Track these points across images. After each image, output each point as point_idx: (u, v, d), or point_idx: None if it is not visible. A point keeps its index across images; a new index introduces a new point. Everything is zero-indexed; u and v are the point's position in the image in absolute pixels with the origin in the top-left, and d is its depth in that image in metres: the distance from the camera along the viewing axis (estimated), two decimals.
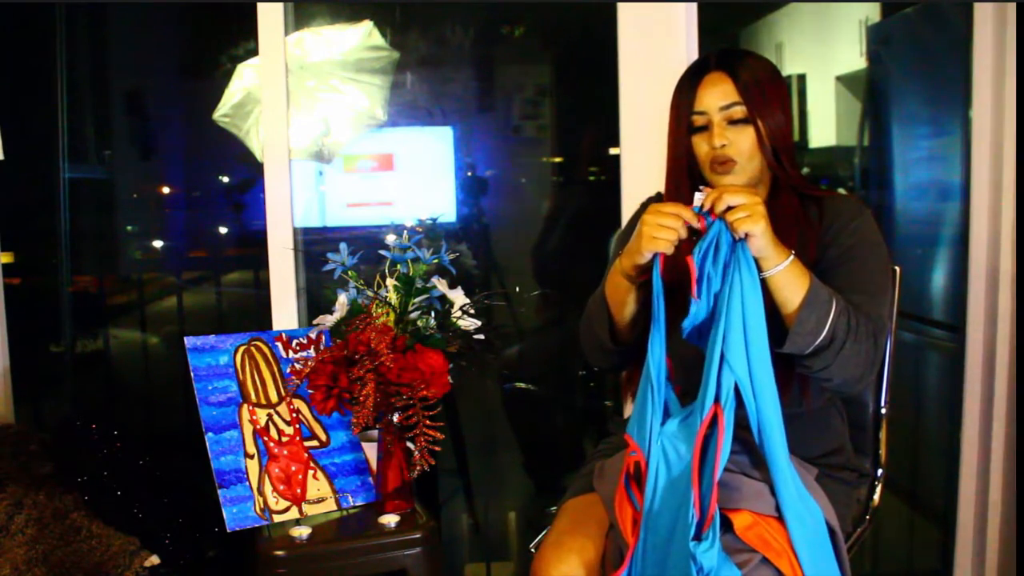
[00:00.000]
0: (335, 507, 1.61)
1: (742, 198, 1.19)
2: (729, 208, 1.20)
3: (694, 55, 1.94)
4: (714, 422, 1.18)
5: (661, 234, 1.23)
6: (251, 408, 1.62)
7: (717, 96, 1.36)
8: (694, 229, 1.24)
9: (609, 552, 1.32)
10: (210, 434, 1.56)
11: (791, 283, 1.24)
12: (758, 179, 1.41)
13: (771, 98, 1.37)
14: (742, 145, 1.37)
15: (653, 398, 1.25)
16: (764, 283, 1.23)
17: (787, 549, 1.19)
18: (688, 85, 1.40)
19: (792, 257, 1.24)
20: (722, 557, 1.16)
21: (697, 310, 1.23)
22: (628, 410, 1.76)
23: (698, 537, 1.14)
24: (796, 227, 1.38)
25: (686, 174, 1.44)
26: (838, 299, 1.26)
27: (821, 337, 1.24)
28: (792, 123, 1.42)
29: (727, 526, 1.22)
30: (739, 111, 1.36)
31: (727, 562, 1.15)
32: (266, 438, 1.61)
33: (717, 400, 1.18)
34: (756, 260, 1.22)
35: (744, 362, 1.19)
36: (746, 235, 1.19)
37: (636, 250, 1.28)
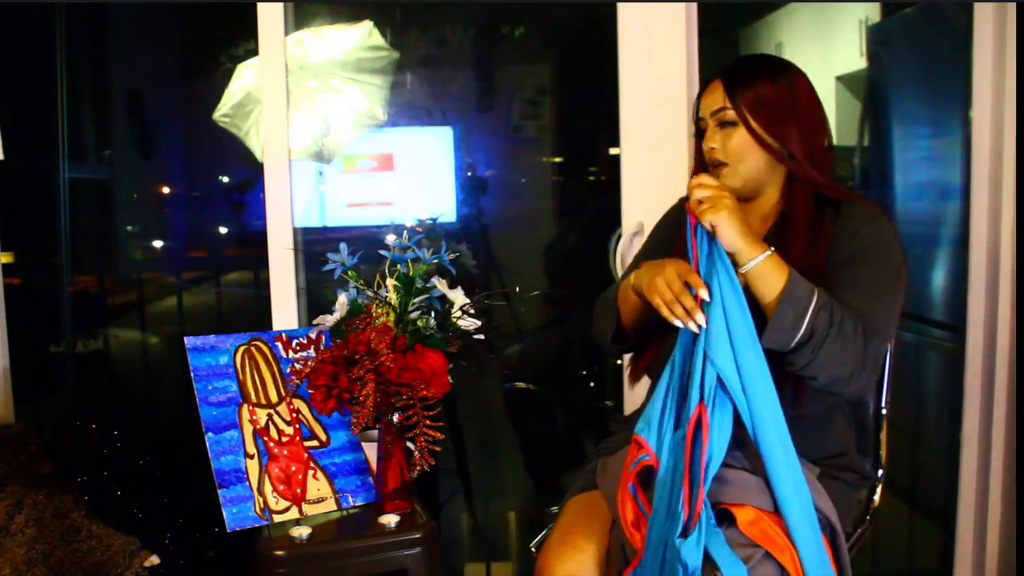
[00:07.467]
0: (335, 507, 1.60)
1: (707, 191, 1.26)
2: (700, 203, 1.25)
3: (694, 55, 1.95)
4: (700, 421, 1.19)
5: (671, 303, 1.25)
6: (251, 408, 1.62)
7: (710, 102, 1.43)
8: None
9: (613, 548, 1.32)
10: (210, 434, 1.56)
11: (767, 278, 1.25)
12: (756, 180, 1.42)
13: (766, 99, 1.38)
14: (730, 147, 1.40)
15: (666, 402, 1.25)
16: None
17: (789, 545, 1.19)
18: (700, 93, 1.47)
19: (769, 253, 1.25)
20: (727, 552, 1.16)
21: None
22: (628, 407, 1.76)
23: (685, 534, 1.15)
24: (807, 229, 1.38)
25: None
26: (820, 295, 1.26)
27: (800, 332, 1.24)
28: (811, 122, 1.40)
29: (730, 521, 1.22)
30: (729, 114, 1.40)
31: (733, 557, 1.16)
32: (266, 438, 1.61)
33: (702, 399, 1.20)
34: (731, 256, 1.24)
35: (729, 355, 1.20)
36: (713, 228, 1.23)
37: (648, 292, 1.30)
